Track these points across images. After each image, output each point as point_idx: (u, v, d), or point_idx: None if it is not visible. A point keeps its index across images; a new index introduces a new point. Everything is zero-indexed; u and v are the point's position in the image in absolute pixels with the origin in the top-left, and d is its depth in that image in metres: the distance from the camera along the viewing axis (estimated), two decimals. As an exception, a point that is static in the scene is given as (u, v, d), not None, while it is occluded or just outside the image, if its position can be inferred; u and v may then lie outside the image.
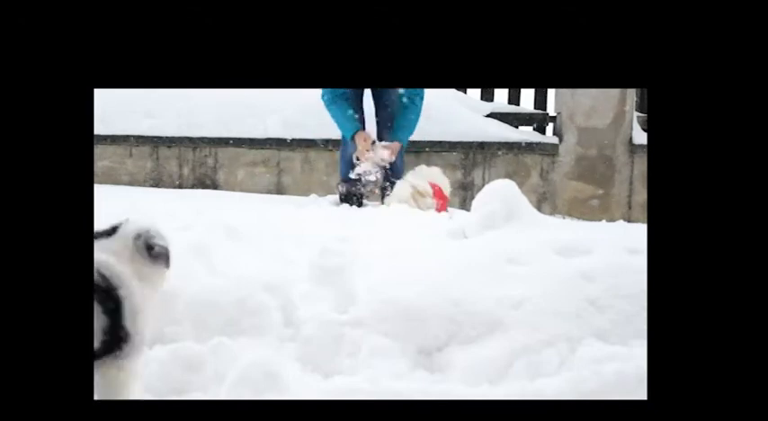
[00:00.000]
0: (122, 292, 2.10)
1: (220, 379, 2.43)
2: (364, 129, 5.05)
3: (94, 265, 2.08)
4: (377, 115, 5.09)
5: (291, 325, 2.73)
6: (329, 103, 5.07)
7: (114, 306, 2.08)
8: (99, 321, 2.05)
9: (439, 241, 3.22)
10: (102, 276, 2.08)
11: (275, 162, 6.11)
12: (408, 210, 4.24)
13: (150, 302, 2.19)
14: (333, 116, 5.08)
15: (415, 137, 5.89)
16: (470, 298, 2.75)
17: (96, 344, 2.06)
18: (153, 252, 2.23)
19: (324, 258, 2.97)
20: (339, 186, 5.10)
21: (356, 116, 5.04)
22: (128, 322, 2.09)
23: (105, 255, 2.13)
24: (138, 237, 2.23)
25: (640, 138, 6.15)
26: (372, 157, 4.95)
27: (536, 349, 2.60)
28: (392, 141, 5.02)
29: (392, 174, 5.10)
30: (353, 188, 5.03)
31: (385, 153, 4.96)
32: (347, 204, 4.98)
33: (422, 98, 5.12)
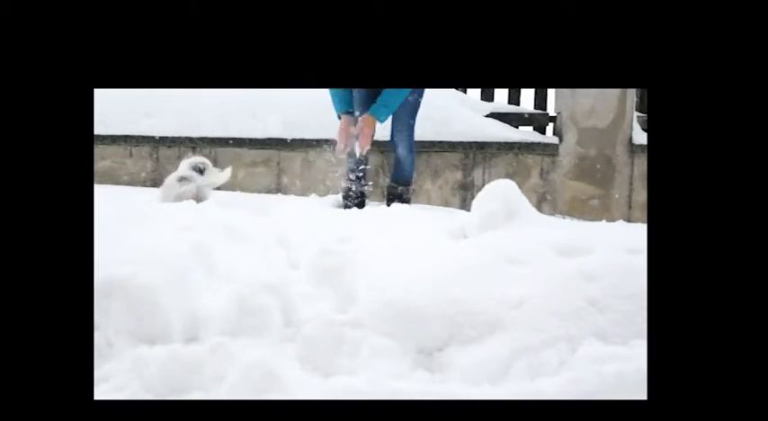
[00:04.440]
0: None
1: (220, 379, 2.43)
2: (353, 113, 4.84)
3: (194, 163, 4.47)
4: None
5: (291, 325, 2.73)
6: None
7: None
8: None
9: (439, 241, 3.22)
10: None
11: (275, 162, 6.11)
12: (409, 210, 4.23)
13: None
14: (331, 93, 4.94)
15: (415, 137, 5.89)
16: (470, 298, 2.75)
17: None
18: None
19: (324, 258, 2.97)
20: (342, 182, 5.09)
21: (350, 97, 4.87)
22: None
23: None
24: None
25: (640, 138, 6.15)
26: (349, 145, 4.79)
27: (536, 349, 2.60)
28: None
29: (398, 176, 5.07)
30: (353, 184, 5.02)
31: (360, 139, 4.77)
32: (347, 202, 4.97)
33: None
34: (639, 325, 2.63)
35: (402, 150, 4.97)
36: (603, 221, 3.62)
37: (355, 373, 2.53)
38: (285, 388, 2.37)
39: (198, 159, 4.52)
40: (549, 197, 6.17)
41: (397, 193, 4.98)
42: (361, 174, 4.98)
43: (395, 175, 5.09)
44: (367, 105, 4.84)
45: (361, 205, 4.95)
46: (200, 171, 4.40)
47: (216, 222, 3.16)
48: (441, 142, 6.05)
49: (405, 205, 4.61)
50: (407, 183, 5.05)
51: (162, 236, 2.96)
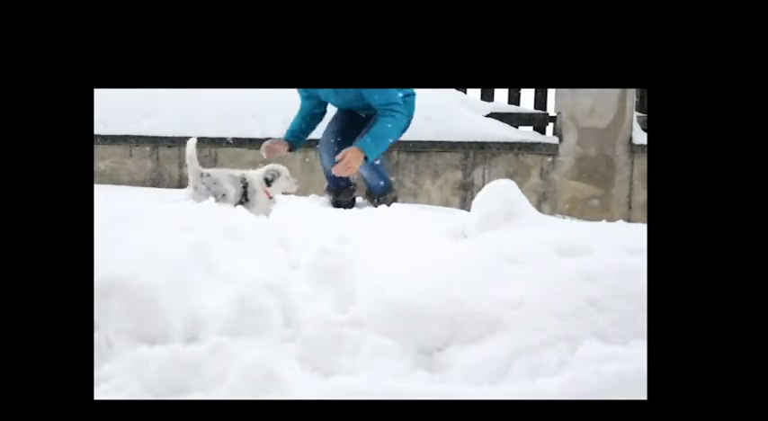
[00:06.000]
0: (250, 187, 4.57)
1: (220, 379, 2.43)
2: (289, 145, 5.02)
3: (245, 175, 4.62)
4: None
5: (291, 325, 2.73)
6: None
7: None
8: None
9: (439, 241, 3.22)
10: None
11: (275, 162, 6.11)
12: (409, 210, 4.23)
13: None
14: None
15: (415, 137, 5.89)
16: (470, 298, 2.75)
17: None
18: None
19: (324, 258, 2.97)
20: (327, 194, 5.12)
21: (298, 127, 5.05)
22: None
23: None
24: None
25: (640, 138, 6.15)
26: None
27: (536, 349, 2.60)
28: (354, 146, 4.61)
29: (371, 189, 5.06)
30: (338, 197, 5.04)
31: (341, 166, 4.59)
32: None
33: (401, 107, 4.64)
34: (639, 325, 2.63)
35: (363, 169, 4.91)
36: (603, 221, 3.62)
37: (355, 373, 2.54)
38: (285, 388, 2.37)
39: (272, 168, 4.65)
40: (548, 197, 6.17)
41: (375, 205, 4.97)
42: (343, 184, 5.01)
43: (368, 189, 5.11)
44: (347, 101, 4.82)
45: (351, 207, 4.96)
46: (269, 182, 4.60)
47: (216, 222, 3.16)
48: (441, 142, 6.05)
49: (405, 205, 4.61)
50: (383, 194, 5.05)
51: (162, 236, 2.96)
